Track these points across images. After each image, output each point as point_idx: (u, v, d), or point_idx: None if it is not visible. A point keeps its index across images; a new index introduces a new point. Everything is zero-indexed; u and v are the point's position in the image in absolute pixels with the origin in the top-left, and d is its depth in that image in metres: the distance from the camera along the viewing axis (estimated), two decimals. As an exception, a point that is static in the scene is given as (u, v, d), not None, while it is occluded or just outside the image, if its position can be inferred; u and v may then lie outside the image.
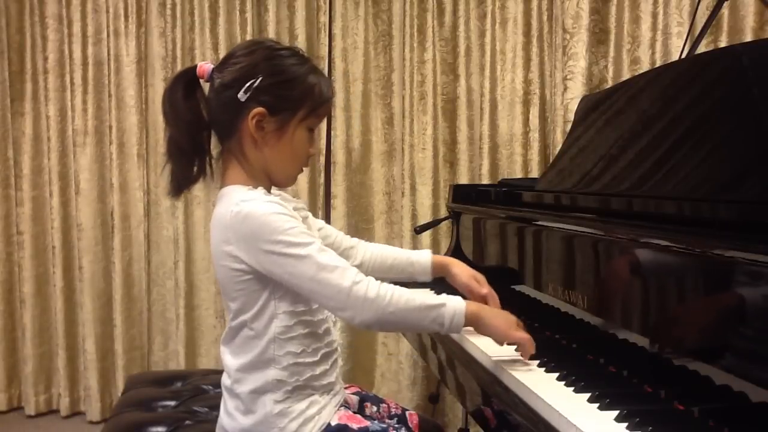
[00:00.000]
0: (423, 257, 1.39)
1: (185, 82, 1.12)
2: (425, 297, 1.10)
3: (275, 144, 1.12)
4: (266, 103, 1.09)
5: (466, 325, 1.12)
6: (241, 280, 1.08)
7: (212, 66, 1.13)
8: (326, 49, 2.68)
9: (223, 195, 1.12)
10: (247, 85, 1.08)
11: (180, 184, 1.14)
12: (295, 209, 1.12)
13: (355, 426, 1.14)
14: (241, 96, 1.08)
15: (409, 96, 2.64)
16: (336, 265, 1.05)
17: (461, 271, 1.36)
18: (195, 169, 1.14)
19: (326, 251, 1.07)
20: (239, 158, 1.13)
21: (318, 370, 1.13)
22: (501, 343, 1.15)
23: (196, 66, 1.13)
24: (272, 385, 1.10)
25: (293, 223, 1.06)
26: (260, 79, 1.08)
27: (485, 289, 1.33)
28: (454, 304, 1.10)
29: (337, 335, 1.18)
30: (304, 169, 1.21)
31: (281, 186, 1.20)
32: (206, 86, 1.14)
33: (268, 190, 1.14)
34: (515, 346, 1.16)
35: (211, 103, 1.12)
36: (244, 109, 1.09)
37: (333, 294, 1.05)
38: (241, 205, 1.06)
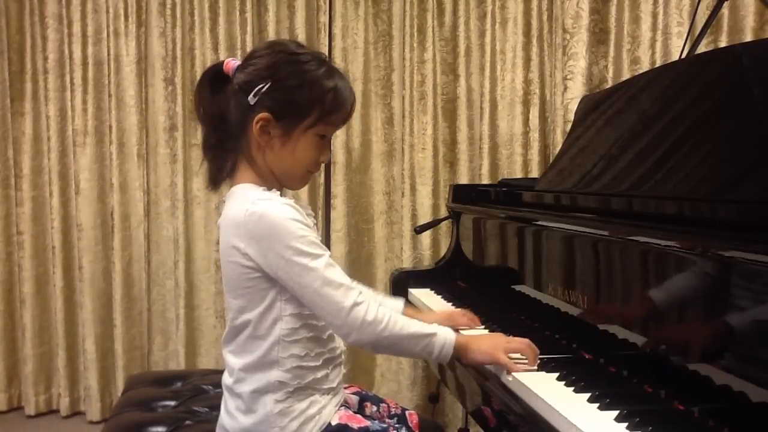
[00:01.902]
0: (395, 306, 1.41)
1: (211, 79, 1.13)
2: (419, 326, 1.12)
3: (279, 149, 1.12)
4: (272, 108, 1.09)
5: (455, 355, 1.13)
6: (250, 278, 1.08)
7: (237, 63, 1.12)
8: (326, 49, 2.68)
9: (235, 193, 1.13)
10: (256, 89, 1.08)
11: (215, 178, 1.15)
12: (306, 214, 1.12)
13: (355, 426, 1.14)
14: (251, 99, 1.08)
15: (409, 96, 2.64)
16: (341, 283, 1.06)
17: (431, 317, 1.40)
18: (228, 163, 1.14)
19: (334, 266, 1.07)
20: (248, 159, 1.13)
21: (320, 374, 1.13)
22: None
23: (222, 62, 1.13)
24: (274, 386, 1.10)
25: (306, 232, 1.06)
26: (269, 84, 1.08)
27: (462, 319, 1.41)
28: (444, 335, 1.12)
29: (341, 342, 1.19)
30: (314, 173, 1.20)
31: (288, 189, 1.20)
32: None
33: (280, 191, 1.14)
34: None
35: (229, 102, 1.11)
36: (253, 113, 1.09)
37: (333, 310, 1.06)
38: (257, 203, 1.06)
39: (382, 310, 1.08)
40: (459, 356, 1.15)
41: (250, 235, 1.06)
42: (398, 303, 1.43)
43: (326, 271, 1.05)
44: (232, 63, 1.12)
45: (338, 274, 1.07)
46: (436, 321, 1.34)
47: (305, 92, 1.10)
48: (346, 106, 1.14)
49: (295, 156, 1.13)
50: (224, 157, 1.14)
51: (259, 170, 1.14)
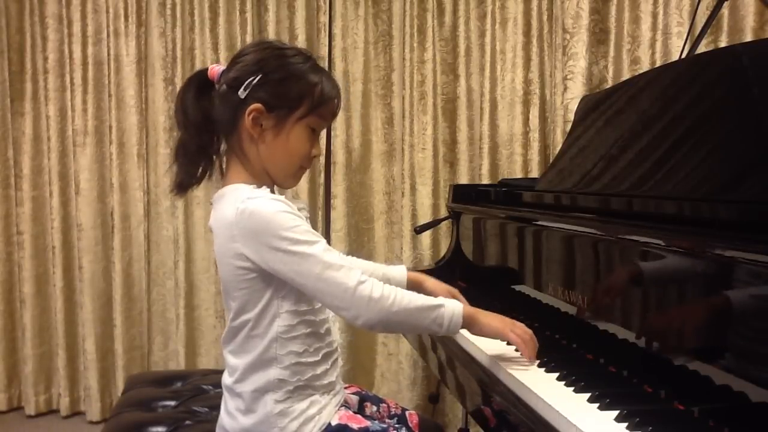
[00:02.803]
0: (398, 273, 1.39)
1: (197, 84, 1.14)
2: (425, 298, 1.12)
3: (272, 141, 1.12)
4: (264, 99, 1.10)
5: (463, 326, 1.13)
6: (246, 278, 1.08)
7: (222, 68, 1.14)
8: (326, 49, 2.68)
9: (226, 193, 1.13)
10: (247, 82, 1.09)
11: (183, 184, 1.15)
12: (299, 209, 1.12)
13: (355, 426, 1.14)
14: (241, 93, 1.09)
15: (409, 96, 2.64)
16: (341, 264, 1.06)
17: (436, 286, 1.38)
18: (200, 170, 1.15)
19: (331, 251, 1.07)
20: (240, 156, 1.14)
21: (319, 370, 1.13)
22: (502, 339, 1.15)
23: (206, 69, 1.14)
24: (274, 385, 1.10)
25: (298, 222, 1.06)
26: (259, 76, 1.09)
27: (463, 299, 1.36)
28: (452, 306, 1.12)
29: (337, 335, 1.19)
30: (306, 169, 1.21)
31: (282, 186, 1.21)
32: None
33: (271, 189, 1.14)
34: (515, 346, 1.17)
35: (216, 103, 1.13)
36: (243, 106, 1.10)
37: (338, 293, 1.05)
38: (246, 202, 1.06)
39: (387, 286, 1.08)
40: (468, 327, 1.14)
41: (243, 234, 1.06)
42: (401, 269, 1.41)
43: (325, 255, 1.05)
44: (216, 68, 1.14)
45: (337, 257, 1.07)
46: (438, 290, 1.34)
47: (295, 83, 1.11)
48: (333, 101, 1.16)
49: (288, 148, 1.13)
50: (198, 162, 1.15)
51: (252, 168, 1.14)
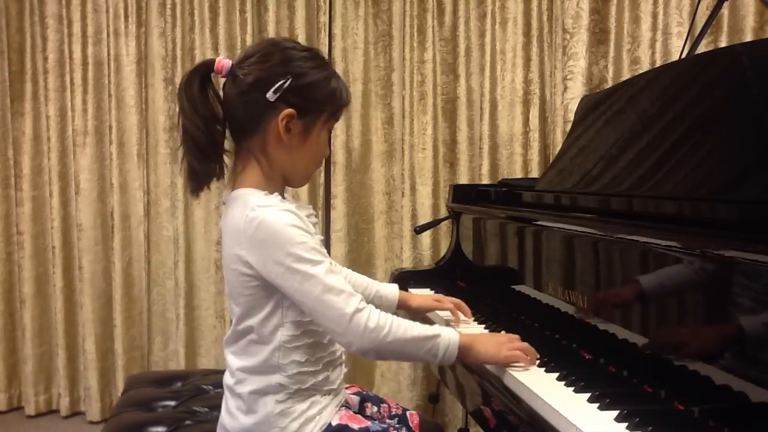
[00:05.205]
0: (391, 292, 1.43)
1: (202, 76, 1.10)
2: (422, 328, 1.11)
3: (300, 145, 1.11)
4: (295, 104, 1.08)
5: (459, 356, 1.12)
6: (250, 285, 1.07)
7: (231, 62, 1.10)
8: (326, 49, 2.68)
9: (237, 197, 1.10)
10: (277, 85, 1.07)
11: (201, 181, 1.11)
12: (307, 216, 1.11)
13: (355, 426, 1.14)
14: (270, 96, 1.07)
15: (409, 96, 2.64)
16: (342, 290, 1.05)
17: (421, 301, 1.43)
18: (215, 165, 1.11)
19: (334, 273, 1.06)
20: (259, 158, 1.11)
21: (320, 377, 1.13)
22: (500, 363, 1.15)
23: (213, 60, 1.10)
24: (275, 388, 1.10)
25: (306, 238, 1.05)
26: (290, 80, 1.07)
27: (449, 304, 1.44)
28: (448, 336, 1.11)
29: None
30: (317, 169, 1.22)
31: (295, 187, 1.21)
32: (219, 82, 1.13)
33: (282, 192, 1.14)
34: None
35: (232, 101, 1.10)
36: (273, 110, 1.08)
37: (335, 317, 1.04)
38: (257, 210, 1.05)
39: (384, 315, 1.07)
40: (463, 357, 1.14)
41: (250, 243, 1.05)
42: (393, 288, 1.45)
43: (327, 277, 1.04)
44: (224, 62, 1.09)
45: (339, 281, 1.06)
46: (424, 303, 1.40)
47: (322, 89, 1.11)
48: (348, 103, 1.17)
49: (314, 152, 1.14)
50: (211, 156, 1.09)
51: (269, 169, 1.12)
